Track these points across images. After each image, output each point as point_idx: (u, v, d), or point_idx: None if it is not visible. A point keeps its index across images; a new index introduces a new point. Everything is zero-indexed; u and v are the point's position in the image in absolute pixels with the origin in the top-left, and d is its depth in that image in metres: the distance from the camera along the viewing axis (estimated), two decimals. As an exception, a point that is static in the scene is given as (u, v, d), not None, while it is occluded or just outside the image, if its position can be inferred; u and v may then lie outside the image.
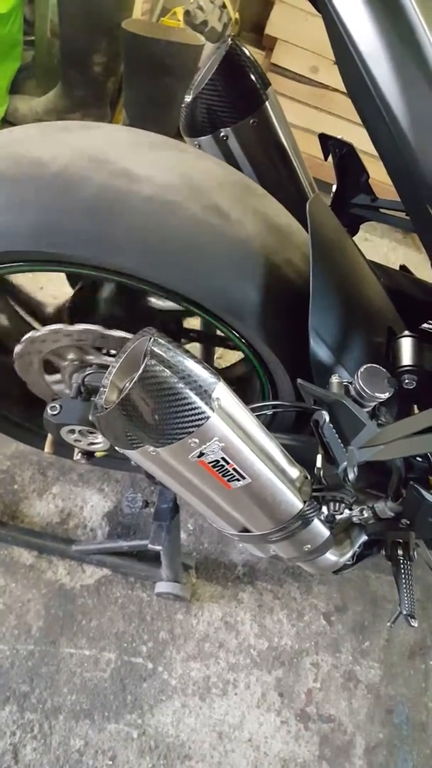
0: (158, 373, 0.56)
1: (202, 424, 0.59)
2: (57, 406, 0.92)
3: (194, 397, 0.58)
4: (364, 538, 1.02)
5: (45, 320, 1.05)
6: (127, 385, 0.58)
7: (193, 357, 0.60)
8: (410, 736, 1.31)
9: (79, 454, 1.04)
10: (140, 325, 0.68)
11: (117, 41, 1.92)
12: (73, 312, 0.99)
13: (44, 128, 0.79)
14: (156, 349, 0.57)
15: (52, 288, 1.54)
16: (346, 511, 0.95)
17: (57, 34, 2.09)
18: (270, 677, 1.31)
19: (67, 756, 1.13)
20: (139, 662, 1.26)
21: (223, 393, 0.61)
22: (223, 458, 0.63)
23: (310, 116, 2.36)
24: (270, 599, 1.40)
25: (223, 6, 1.84)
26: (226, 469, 0.64)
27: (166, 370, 0.56)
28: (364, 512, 0.98)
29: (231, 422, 0.63)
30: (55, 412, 0.92)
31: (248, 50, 0.89)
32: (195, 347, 1.24)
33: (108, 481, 1.46)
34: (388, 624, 1.18)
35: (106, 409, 0.60)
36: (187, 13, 1.74)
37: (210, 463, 0.63)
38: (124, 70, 1.98)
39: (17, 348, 0.93)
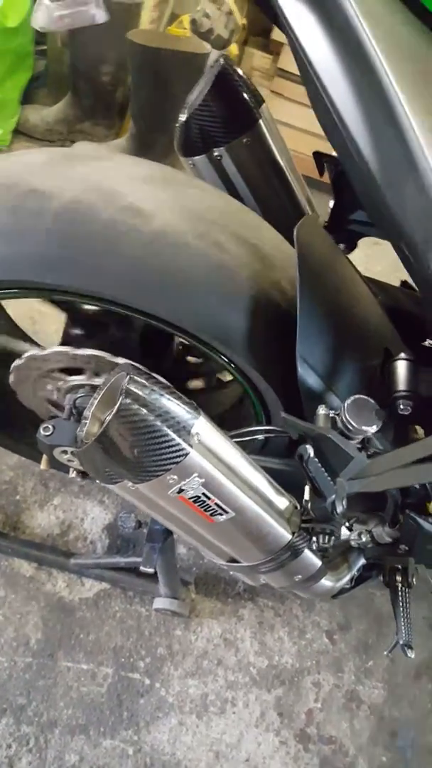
0: (134, 411, 0.56)
1: (181, 461, 0.58)
2: (50, 426, 0.92)
3: (171, 434, 0.57)
4: (362, 561, 1.01)
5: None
6: (105, 421, 0.57)
7: (172, 392, 0.59)
8: (415, 760, 1.29)
9: (74, 472, 1.03)
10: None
11: (124, 51, 1.91)
12: (66, 335, 0.99)
13: (51, 155, 0.79)
14: (132, 387, 0.56)
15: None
16: (345, 533, 0.94)
17: (68, 44, 2.09)
18: (269, 696, 1.29)
19: (62, 771, 1.13)
20: (136, 678, 1.25)
21: (203, 428, 0.60)
22: (203, 494, 0.62)
23: (315, 120, 2.34)
24: (271, 616, 1.39)
25: (230, 12, 1.83)
26: (208, 504, 0.63)
27: (141, 408, 0.56)
28: (362, 536, 0.96)
29: (212, 457, 0.61)
30: (47, 433, 0.92)
31: (240, 70, 0.88)
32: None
33: (109, 493, 1.46)
34: (385, 653, 1.16)
35: (86, 443, 0.60)
36: (193, 21, 1.72)
37: (190, 498, 0.62)
38: (131, 79, 1.97)
39: (10, 378, 0.94)
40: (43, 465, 1.05)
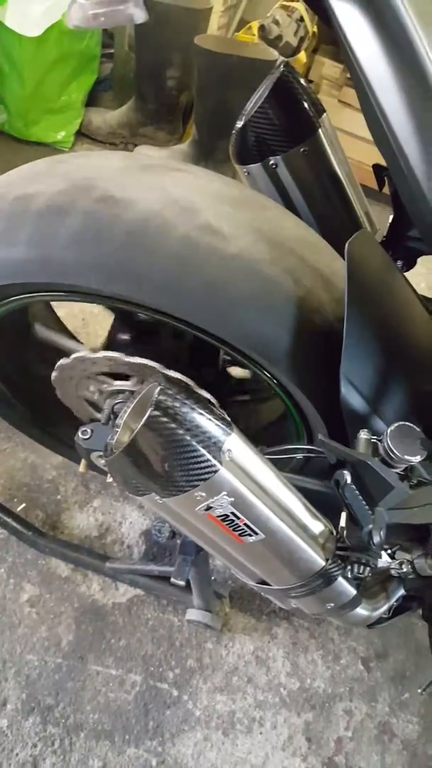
0: (163, 424, 0.54)
1: (209, 477, 0.56)
2: (88, 430, 0.92)
3: (201, 450, 0.55)
4: (401, 592, 0.96)
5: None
6: (133, 432, 0.56)
7: (206, 407, 0.57)
8: (446, 804, 1.22)
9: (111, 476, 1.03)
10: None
11: (191, 56, 1.92)
12: (112, 340, 0.99)
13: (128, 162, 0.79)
14: (162, 399, 0.54)
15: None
16: (386, 560, 0.89)
17: (134, 48, 2.12)
18: (299, 720, 1.25)
19: (85, 776, 1.13)
20: (164, 688, 1.24)
21: (235, 445, 0.58)
22: (232, 513, 0.60)
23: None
24: (306, 638, 1.35)
25: (301, 19, 1.81)
26: (237, 524, 0.61)
27: (170, 421, 0.54)
28: (403, 566, 0.91)
29: (243, 476, 0.59)
30: (86, 437, 0.92)
31: (301, 77, 0.85)
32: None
33: (149, 499, 1.46)
34: (419, 691, 1.10)
35: (114, 453, 0.58)
36: (261, 27, 1.71)
37: (219, 517, 0.60)
38: (196, 84, 1.97)
39: (53, 375, 0.94)
40: (81, 468, 1.06)
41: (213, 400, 0.74)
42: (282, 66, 0.85)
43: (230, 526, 0.62)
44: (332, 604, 0.76)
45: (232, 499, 0.59)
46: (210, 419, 0.56)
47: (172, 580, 1.01)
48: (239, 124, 0.89)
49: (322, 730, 1.25)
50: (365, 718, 1.28)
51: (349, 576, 0.75)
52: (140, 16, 0.67)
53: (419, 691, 1.13)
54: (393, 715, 1.29)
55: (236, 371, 1.16)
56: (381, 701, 1.31)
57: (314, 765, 1.21)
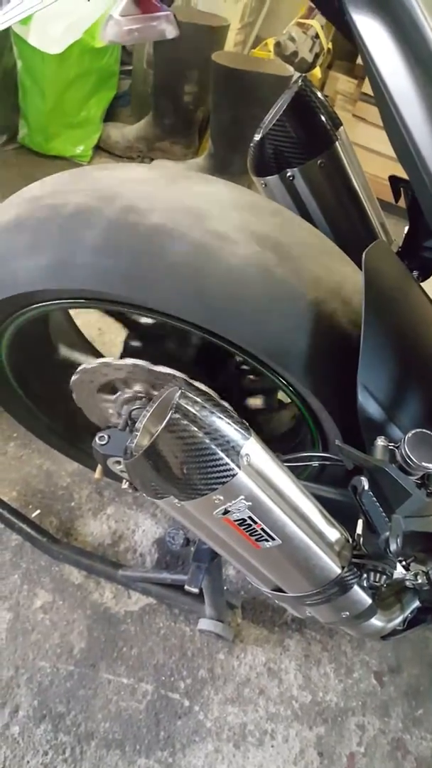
0: (183, 426, 0.55)
1: (227, 481, 0.57)
2: (105, 436, 0.93)
3: (220, 453, 0.56)
4: (416, 603, 0.95)
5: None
6: (153, 435, 0.57)
7: (224, 411, 0.58)
8: None
9: (127, 483, 1.04)
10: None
11: (207, 72, 1.95)
12: (128, 346, 1.00)
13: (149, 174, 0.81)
14: (182, 403, 0.55)
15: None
16: (401, 572, 0.89)
17: (153, 64, 2.16)
18: (311, 733, 1.24)
19: (95, 785, 1.12)
20: (175, 698, 1.23)
21: (253, 449, 0.59)
22: (250, 517, 0.61)
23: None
24: (318, 650, 1.34)
25: (316, 36, 1.83)
26: (254, 528, 0.61)
27: (190, 424, 0.55)
28: (419, 577, 0.91)
29: (260, 480, 0.60)
30: (103, 443, 0.93)
31: (319, 90, 0.87)
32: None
33: (161, 507, 1.46)
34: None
35: (134, 456, 0.59)
36: (277, 44, 1.74)
37: (236, 521, 0.61)
38: (212, 99, 2.01)
39: (73, 378, 0.95)
40: (97, 474, 1.06)
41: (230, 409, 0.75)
42: (300, 80, 0.86)
43: (247, 531, 0.62)
44: (347, 613, 0.76)
45: (250, 503, 0.59)
46: (229, 423, 0.57)
47: (186, 587, 1.01)
48: (257, 136, 0.91)
49: (334, 745, 1.24)
50: (378, 734, 1.26)
51: (365, 585, 0.75)
52: (171, 31, 0.69)
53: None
54: (407, 731, 1.28)
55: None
56: (394, 716, 1.29)
57: (326, 780, 1.20)
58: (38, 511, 1.41)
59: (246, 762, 1.19)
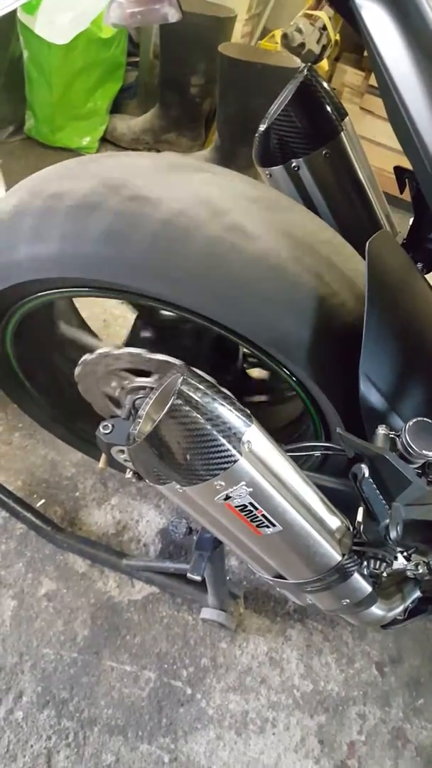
0: (185, 412, 0.55)
1: (229, 467, 0.58)
2: (109, 425, 0.94)
3: (221, 439, 0.57)
4: (417, 593, 0.96)
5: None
6: (156, 420, 0.57)
7: (226, 398, 0.58)
8: None
9: (131, 472, 1.05)
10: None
11: (214, 64, 1.95)
12: (134, 336, 1.01)
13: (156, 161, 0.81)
14: (184, 389, 0.56)
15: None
16: (402, 562, 0.89)
17: (159, 56, 2.16)
18: (312, 722, 1.25)
19: (97, 770, 1.14)
20: (178, 686, 1.24)
21: (255, 436, 0.59)
22: (251, 503, 0.61)
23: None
24: (320, 640, 1.35)
25: (324, 28, 1.83)
26: (255, 515, 0.62)
27: (192, 410, 0.55)
28: (420, 567, 0.91)
29: (262, 467, 0.60)
30: (107, 432, 0.94)
31: (325, 80, 0.87)
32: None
33: (165, 498, 1.47)
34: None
35: (137, 441, 0.60)
36: (284, 35, 1.74)
37: (237, 507, 0.61)
38: (219, 91, 2.00)
39: (76, 370, 0.96)
40: (101, 463, 1.07)
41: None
42: (306, 70, 0.86)
43: (248, 517, 0.63)
44: (347, 601, 0.77)
45: (251, 489, 0.60)
46: (231, 410, 0.57)
47: (188, 575, 1.02)
48: (262, 126, 0.91)
49: (334, 734, 1.25)
50: (378, 723, 1.27)
51: (365, 573, 0.75)
52: (174, 14, 0.69)
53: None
54: (407, 720, 1.29)
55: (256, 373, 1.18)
56: (395, 706, 1.30)
57: (327, 768, 1.21)
58: (43, 501, 1.42)
59: (247, 749, 1.20)
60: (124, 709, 1.20)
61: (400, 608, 0.94)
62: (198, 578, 1.03)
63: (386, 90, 0.60)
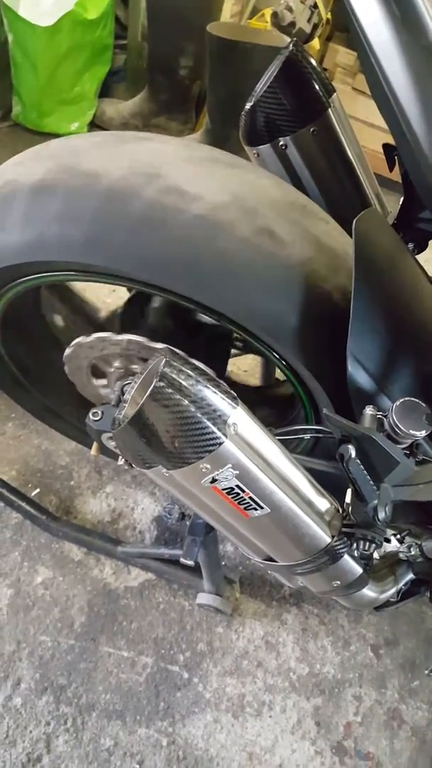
0: (168, 395, 0.55)
1: (214, 449, 0.57)
2: (99, 412, 0.93)
3: (206, 422, 0.56)
4: (410, 576, 0.96)
5: (99, 326, 1.07)
6: (138, 404, 0.57)
7: (211, 380, 0.57)
8: (455, 791, 1.22)
9: (123, 459, 1.04)
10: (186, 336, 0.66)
11: (203, 45, 1.91)
12: (124, 321, 1.00)
13: (106, 138, 0.80)
14: (167, 371, 0.55)
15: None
16: (395, 544, 0.89)
17: (147, 37, 2.12)
18: (308, 704, 1.26)
19: (96, 753, 1.14)
20: (175, 670, 1.25)
21: (241, 419, 0.59)
22: (237, 486, 0.61)
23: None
24: (315, 624, 1.35)
25: (315, 6, 1.80)
26: (242, 497, 0.62)
27: (175, 393, 0.55)
28: (412, 549, 0.91)
29: (248, 449, 0.60)
30: (96, 418, 0.93)
31: (311, 56, 0.85)
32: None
33: (160, 486, 1.46)
34: (427, 672, 1.10)
35: (121, 425, 0.59)
36: (274, 14, 1.71)
37: (224, 489, 0.61)
38: (208, 73, 1.97)
39: (66, 351, 0.95)
40: (93, 451, 1.06)
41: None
42: (291, 46, 0.84)
43: (236, 500, 0.62)
44: (338, 582, 0.77)
45: (237, 472, 0.59)
46: (215, 392, 0.57)
47: (181, 560, 1.02)
48: (248, 105, 0.90)
49: (331, 715, 1.25)
50: (374, 704, 1.28)
51: (356, 554, 0.75)
52: None
53: (427, 672, 1.13)
54: (402, 701, 1.30)
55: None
56: (390, 688, 1.31)
57: (323, 749, 1.22)
58: (38, 490, 1.42)
59: (244, 732, 1.20)
60: (122, 694, 1.20)
61: (393, 590, 0.94)
62: (191, 563, 1.03)
63: (368, 63, 0.59)
